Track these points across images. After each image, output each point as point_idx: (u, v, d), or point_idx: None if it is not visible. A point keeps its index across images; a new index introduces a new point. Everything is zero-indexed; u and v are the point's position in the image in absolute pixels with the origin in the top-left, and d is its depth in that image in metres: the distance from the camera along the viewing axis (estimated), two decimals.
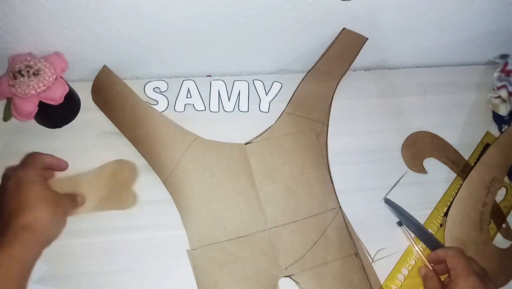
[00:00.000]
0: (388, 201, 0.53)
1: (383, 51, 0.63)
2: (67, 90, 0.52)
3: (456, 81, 0.65)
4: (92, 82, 0.57)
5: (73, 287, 0.46)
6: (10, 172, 0.42)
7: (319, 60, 0.59)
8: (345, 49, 0.58)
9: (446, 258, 0.44)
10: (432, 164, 0.57)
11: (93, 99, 0.57)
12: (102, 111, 0.56)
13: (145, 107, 0.54)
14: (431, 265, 0.48)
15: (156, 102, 0.58)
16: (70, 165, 0.53)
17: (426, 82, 0.64)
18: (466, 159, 0.58)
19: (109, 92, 0.56)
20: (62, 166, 0.49)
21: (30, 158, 0.44)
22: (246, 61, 0.61)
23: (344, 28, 0.57)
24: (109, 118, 0.55)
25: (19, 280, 0.37)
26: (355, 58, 0.59)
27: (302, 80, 0.58)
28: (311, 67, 0.59)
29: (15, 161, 0.52)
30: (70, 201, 0.45)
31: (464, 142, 0.59)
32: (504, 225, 0.54)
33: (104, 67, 0.56)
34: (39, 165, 0.44)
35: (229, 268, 0.47)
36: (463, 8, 0.56)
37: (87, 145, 0.54)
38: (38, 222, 0.38)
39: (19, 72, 0.49)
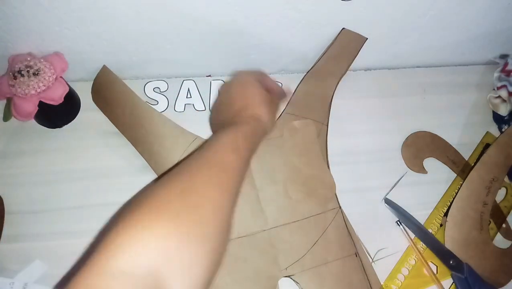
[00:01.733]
0: (388, 201, 0.53)
1: (383, 51, 0.63)
2: (67, 90, 0.52)
3: (456, 81, 0.65)
4: (92, 82, 0.57)
5: None
6: (236, 76, 0.48)
7: (318, 60, 0.59)
8: (344, 49, 0.58)
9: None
10: (432, 164, 0.57)
11: (93, 99, 0.57)
12: (102, 111, 0.56)
13: (145, 107, 0.54)
14: (429, 264, 0.48)
15: (156, 102, 0.58)
16: (70, 165, 0.53)
17: (426, 82, 0.64)
18: (466, 159, 0.58)
19: (109, 92, 0.56)
20: (281, 95, 0.52)
21: (257, 72, 0.49)
22: (246, 61, 0.61)
23: (343, 28, 0.57)
24: (108, 118, 0.55)
25: (242, 165, 0.37)
26: (354, 58, 0.59)
27: (301, 80, 0.58)
28: (310, 67, 0.59)
29: (16, 161, 0.53)
30: (279, 96, 0.50)
31: (464, 142, 0.59)
32: (504, 225, 0.54)
33: (104, 67, 0.56)
34: (260, 80, 0.47)
35: (229, 268, 0.47)
36: (463, 8, 0.56)
37: (87, 145, 0.54)
38: (262, 116, 0.43)
39: (19, 72, 0.49)
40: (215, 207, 0.32)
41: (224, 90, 0.48)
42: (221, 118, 0.47)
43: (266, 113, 0.44)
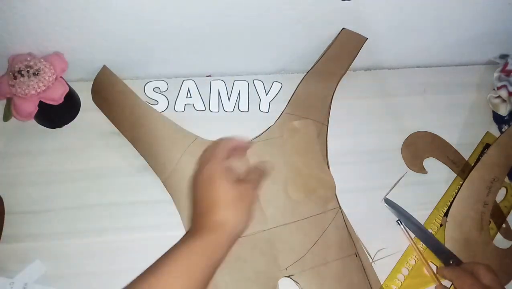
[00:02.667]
0: (388, 201, 0.53)
1: (383, 51, 0.63)
2: (67, 90, 0.52)
3: (456, 81, 0.65)
4: (92, 82, 0.57)
5: (73, 287, 0.46)
6: (201, 165, 0.44)
7: (318, 60, 0.59)
8: (344, 49, 0.58)
9: (452, 280, 0.46)
10: (432, 164, 0.57)
11: (93, 99, 0.57)
12: (102, 111, 0.56)
13: (145, 108, 0.54)
14: (429, 264, 0.48)
15: (156, 102, 0.58)
16: (70, 165, 0.53)
17: (426, 82, 0.64)
18: (466, 159, 0.58)
19: (109, 92, 0.56)
20: (245, 147, 0.49)
21: (216, 149, 0.45)
22: (246, 61, 0.61)
23: (343, 28, 0.57)
24: (108, 118, 0.55)
25: (205, 274, 0.39)
26: (354, 58, 0.59)
27: (301, 80, 0.58)
28: (311, 67, 0.59)
29: (16, 161, 0.53)
30: (257, 176, 0.45)
31: (464, 142, 0.59)
32: (504, 225, 0.54)
33: (104, 67, 0.56)
34: (224, 154, 0.44)
35: (229, 268, 0.47)
36: (463, 8, 0.56)
37: (87, 145, 0.54)
38: (229, 221, 0.40)
39: (19, 72, 0.49)
40: None
41: (193, 182, 0.44)
42: (192, 210, 0.44)
43: (234, 215, 0.41)
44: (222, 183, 0.41)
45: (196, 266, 0.38)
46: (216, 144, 0.45)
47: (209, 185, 0.42)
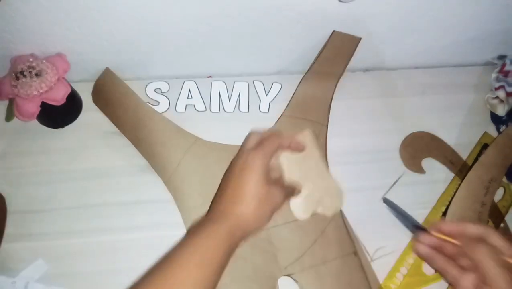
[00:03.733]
0: (386, 201, 0.54)
1: (382, 52, 0.63)
2: (69, 90, 0.52)
3: (454, 81, 0.65)
4: (93, 83, 0.57)
5: (74, 286, 0.47)
6: (243, 152, 0.43)
7: (314, 63, 0.59)
8: (338, 50, 0.58)
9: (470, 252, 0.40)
10: (430, 164, 0.57)
11: (94, 101, 0.57)
12: (102, 112, 0.56)
13: (147, 109, 0.55)
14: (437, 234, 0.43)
15: (157, 103, 0.58)
16: (72, 165, 0.53)
17: (424, 82, 0.64)
18: (464, 159, 0.58)
19: (111, 93, 0.56)
20: (298, 148, 0.47)
21: (267, 140, 0.43)
22: (246, 62, 0.61)
23: (334, 31, 0.57)
24: (110, 119, 0.56)
25: (223, 263, 0.38)
26: (350, 59, 0.59)
27: (299, 82, 0.59)
28: (306, 70, 0.59)
29: (18, 160, 0.53)
30: (284, 194, 0.43)
31: (462, 142, 0.59)
32: (502, 225, 0.54)
33: (107, 69, 0.57)
34: (273, 148, 0.43)
35: (229, 267, 0.47)
36: (462, 9, 0.56)
37: (89, 145, 0.55)
38: (248, 216, 0.39)
39: (22, 73, 0.49)
40: None
41: (232, 164, 0.44)
42: (217, 192, 0.44)
43: (254, 214, 0.39)
44: (257, 177, 0.40)
45: (214, 252, 0.37)
46: (269, 134, 0.43)
47: (244, 174, 0.40)
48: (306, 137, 0.49)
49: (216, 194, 0.42)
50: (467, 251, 0.40)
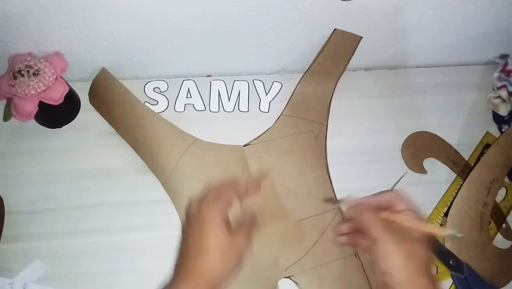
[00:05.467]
0: None
1: (383, 51, 0.63)
2: (67, 90, 0.52)
3: (456, 81, 0.65)
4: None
5: (73, 287, 0.46)
6: (195, 204, 0.41)
7: (313, 62, 0.59)
8: (339, 49, 0.58)
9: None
10: (432, 164, 0.57)
11: (90, 102, 0.57)
12: (99, 113, 0.56)
13: (144, 109, 0.54)
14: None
15: (156, 102, 0.58)
16: (70, 165, 0.53)
17: (426, 82, 0.64)
18: (466, 159, 0.58)
19: (108, 94, 0.56)
20: (255, 189, 0.44)
21: (221, 189, 0.42)
22: (246, 61, 0.61)
23: (335, 29, 0.57)
24: (107, 120, 0.55)
25: None
26: (351, 57, 0.58)
27: (299, 82, 0.58)
28: (306, 69, 0.59)
29: (16, 161, 0.53)
30: (250, 226, 0.42)
31: (464, 142, 0.59)
32: (504, 225, 0.54)
33: (103, 69, 0.56)
34: (228, 198, 0.41)
35: None
36: (463, 8, 0.56)
37: (87, 145, 0.54)
38: (214, 273, 0.38)
39: (19, 72, 0.49)
40: None
41: (187, 219, 0.41)
42: (179, 255, 0.41)
43: (220, 267, 0.38)
44: (216, 231, 0.38)
45: None
46: (221, 185, 0.42)
47: (202, 229, 0.39)
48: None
49: (179, 252, 0.41)
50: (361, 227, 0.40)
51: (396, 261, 0.36)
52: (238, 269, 0.40)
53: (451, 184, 0.56)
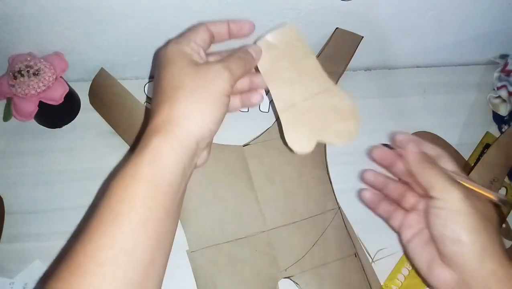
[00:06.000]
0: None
1: (383, 51, 0.63)
2: (67, 90, 0.52)
3: (456, 81, 0.65)
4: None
5: None
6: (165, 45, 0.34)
7: None
8: (340, 48, 0.58)
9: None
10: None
11: (90, 102, 0.57)
12: (99, 113, 0.56)
13: (143, 109, 0.54)
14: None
15: None
16: (70, 164, 0.53)
17: (426, 82, 0.64)
18: (466, 159, 0.58)
19: (106, 94, 0.56)
20: (242, 32, 0.37)
21: (191, 29, 0.34)
22: None
23: (337, 28, 0.57)
24: (106, 121, 0.55)
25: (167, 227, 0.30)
26: (351, 57, 0.58)
27: None
28: None
29: (16, 161, 0.53)
30: (225, 68, 0.32)
31: (464, 142, 0.59)
32: (504, 225, 0.54)
33: (102, 69, 0.56)
34: (195, 34, 0.34)
35: (229, 269, 0.47)
36: (463, 8, 0.56)
37: (87, 145, 0.54)
38: (187, 120, 0.30)
39: (19, 72, 0.49)
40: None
41: (157, 64, 0.34)
42: (152, 104, 0.33)
43: (193, 110, 0.30)
44: (170, 66, 0.31)
45: (154, 223, 0.27)
46: (195, 26, 0.35)
47: (159, 68, 0.32)
48: (290, 33, 0.38)
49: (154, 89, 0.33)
50: (419, 179, 0.35)
51: (470, 223, 0.30)
52: (220, 114, 0.31)
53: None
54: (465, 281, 0.30)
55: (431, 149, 0.39)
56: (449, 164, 0.37)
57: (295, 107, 0.39)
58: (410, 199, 0.40)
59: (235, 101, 0.41)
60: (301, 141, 0.38)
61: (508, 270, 0.30)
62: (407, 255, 0.39)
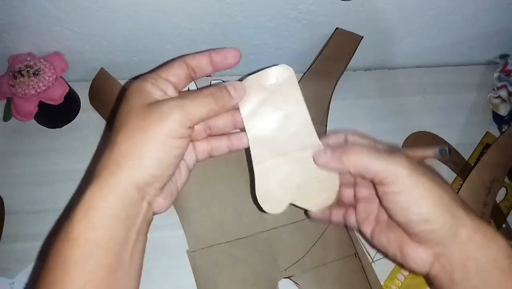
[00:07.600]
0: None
1: (383, 51, 0.63)
2: (67, 90, 0.52)
3: (456, 81, 0.65)
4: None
5: None
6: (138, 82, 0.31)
7: (314, 61, 0.59)
8: (340, 48, 0.58)
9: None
10: (432, 164, 0.57)
11: (90, 102, 0.57)
12: (99, 113, 0.56)
13: None
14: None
15: None
16: (70, 165, 0.53)
17: (426, 82, 0.64)
18: (466, 159, 0.58)
19: (106, 94, 0.55)
20: (227, 62, 0.32)
21: (167, 63, 0.31)
22: (246, 61, 0.60)
23: (337, 28, 0.57)
24: (106, 121, 0.55)
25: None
26: (351, 57, 0.58)
27: (298, 81, 0.58)
28: (307, 69, 0.59)
29: (16, 161, 0.53)
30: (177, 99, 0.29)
31: (464, 142, 0.59)
32: (504, 225, 0.54)
33: (102, 69, 0.56)
34: (169, 73, 0.31)
35: (229, 270, 0.47)
36: (463, 7, 0.56)
37: (87, 145, 0.54)
38: (128, 161, 0.27)
39: (19, 72, 0.49)
40: None
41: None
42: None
43: (138, 164, 0.27)
44: (132, 103, 0.28)
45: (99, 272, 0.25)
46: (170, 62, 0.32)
47: (120, 106, 0.29)
48: (283, 75, 0.35)
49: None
50: (354, 172, 0.32)
51: (429, 197, 0.27)
52: (165, 153, 0.27)
53: (451, 184, 0.56)
54: (443, 254, 0.29)
55: (336, 138, 0.35)
56: (362, 140, 0.35)
57: (273, 161, 0.35)
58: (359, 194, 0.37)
59: (220, 143, 0.37)
60: (271, 201, 0.35)
61: (477, 224, 0.28)
62: (378, 249, 0.36)
